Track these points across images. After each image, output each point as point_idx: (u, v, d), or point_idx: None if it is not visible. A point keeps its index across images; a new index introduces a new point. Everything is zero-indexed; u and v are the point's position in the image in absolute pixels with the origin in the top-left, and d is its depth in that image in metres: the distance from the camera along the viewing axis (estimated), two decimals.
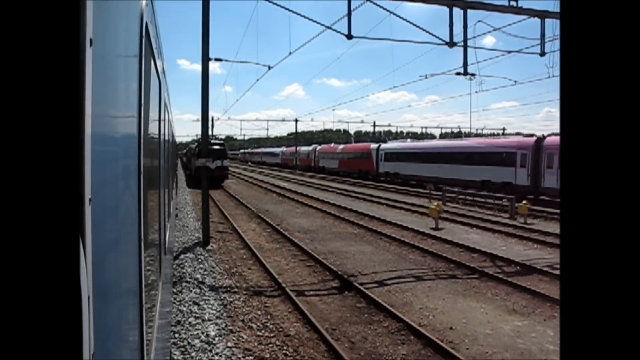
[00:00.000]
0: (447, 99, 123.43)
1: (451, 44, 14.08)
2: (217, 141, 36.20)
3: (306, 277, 9.70)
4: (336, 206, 21.31)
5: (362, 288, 8.59)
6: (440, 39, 13.96)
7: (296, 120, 62.83)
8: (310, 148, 60.38)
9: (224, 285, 8.81)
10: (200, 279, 8.88)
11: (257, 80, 22.02)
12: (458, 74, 14.80)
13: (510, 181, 24.65)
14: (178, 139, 47.97)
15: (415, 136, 71.20)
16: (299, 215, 18.76)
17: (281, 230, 14.86)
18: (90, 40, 0.72)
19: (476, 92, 17.90)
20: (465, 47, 14.32)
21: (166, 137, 4.60)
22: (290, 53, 16.05)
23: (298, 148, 61.72)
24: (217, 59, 12.80)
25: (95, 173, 0.75)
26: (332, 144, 57.83)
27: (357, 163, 43.80)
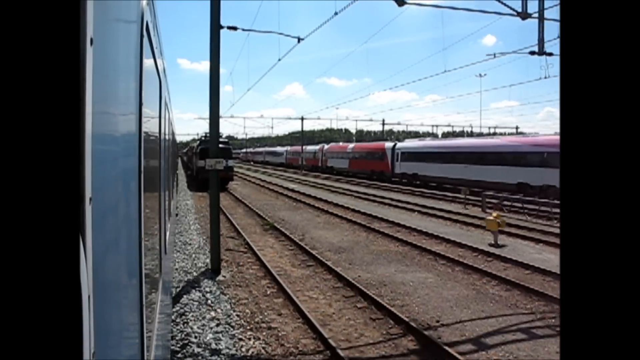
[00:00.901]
0: (447, 99, 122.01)
1: (524, 14, 11.15)
2: (221, 139, 33.26)
3: (363, 329, 6.76)
4: (361, 213, 18.37)
5: (456, 354, 5.66)
6: (512, 9, 11.03)
7: (302, 118, 59.81)
8: (317, 147, 57.40)
9: (249, 353, 5.86)
10: (214, 344, 5.89)
11: (279, 59, 18.40)
12: (532, 53, 11.87)
13: (554, 184, 21.70)
14: (178, 138, 46.31)
15: (417, 135, 68.05)
16: (323, 226, 15.80)
17: (306, 247, 11.92)
18: (91, 39, 0.71)
19: (545, 77, 14.89)
20: (541, 18, 11.39)
21: (166, 137, 4.35)
22: (336, 13, 13.42)
23: (304, 147, 58.75)
24: (230, 27, 9.82)
25: (95, 172, 0.74)
26: (341, 143, 54.82)
27: (369, 163, 40.86)
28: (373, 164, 40.25)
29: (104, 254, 0.86)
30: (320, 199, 23.61)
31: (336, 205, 21.22)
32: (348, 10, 11.78)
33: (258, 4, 50.44)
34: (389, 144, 39.26)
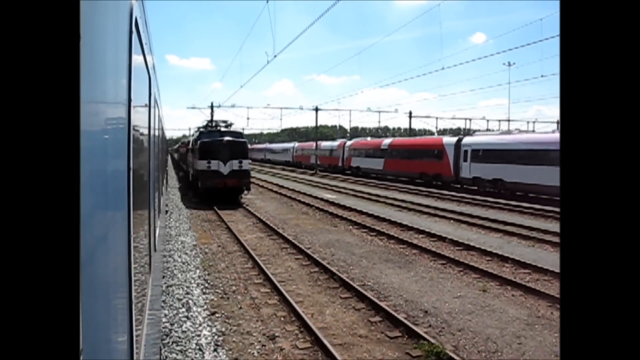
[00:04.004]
0: (437, 97, 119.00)
1: None
2: (229, 130, 23.10)
3: None
4: (537, 271, 8.73)
5: None
6: None
7: (317, 109, 49.92)
8: (336, 143, 47.64)
9: None
10: None
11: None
12: None
13: None
14: (168, 134, 40.21)
15: (413, 133, 58.65)
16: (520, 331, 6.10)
17: None
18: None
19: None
20: None
21: (156, 133, 4.34)
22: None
23: (319, 143, 48.95)
24: None
25: (84, 169, 0.73)
26: (369, 139, 45.13)
27: (417, 164, 31.25)
28: (424, 164, 30.67)
29: (92, 250, 0.84)
30: (408, 227, 13.97)
31: (444, 241, 11.60)
32: (337, 8, 6.75)
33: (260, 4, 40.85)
34: (449, 139, 29.66)
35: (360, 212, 17.37)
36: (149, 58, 2.55)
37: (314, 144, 50.60)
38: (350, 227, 14.68)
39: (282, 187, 28.61)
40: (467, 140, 27.77)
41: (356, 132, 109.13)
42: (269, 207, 19.24)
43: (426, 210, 18.12)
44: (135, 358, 1.47)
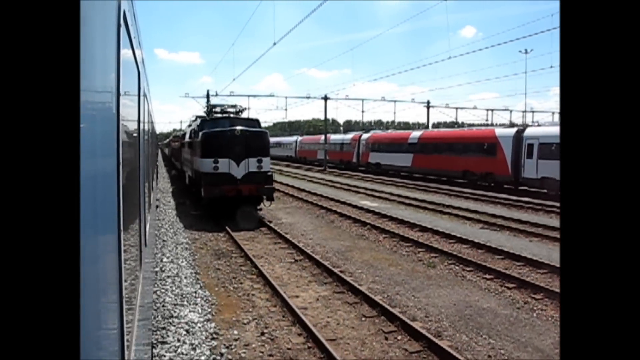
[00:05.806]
0: (427, 90, 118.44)
1: None
2: (241, 117, 17.28)
3: None
4: None
5: None
6: None
7: (325, 98, 44.21)
8: (349, 136, 42.08)
9: None
10: None
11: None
12: None
13: None
14: (158, 128, 35.19)
15: (407, 126, 54.11)
16: None
17: None
18: None
19: None
20: None
21: (146, 128, 4.26)
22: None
23: (328, 136, 43.29)
24: None
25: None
26: (390, 131, 39.63)
27: (460, 161, 25.87)
28: (468, 161, 25.30)
29: (84, 247, 0.83)
30: (550, 267, 8.54)
31: None
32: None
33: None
34: (504, 130, 24.29)
35: (438, 234, 11.89)
36: (137, 52, 2.49)
37: (320, 137, 45.09)
38: (454, 266, 9.15)
39: (299, 189, 22.99)
40: (532, 131, 22.37)
41: (349, 126, 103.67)
42: (304, 226, 13.64)
43: (529, 229, 12.70)
44: (126, 357, 1.44)
